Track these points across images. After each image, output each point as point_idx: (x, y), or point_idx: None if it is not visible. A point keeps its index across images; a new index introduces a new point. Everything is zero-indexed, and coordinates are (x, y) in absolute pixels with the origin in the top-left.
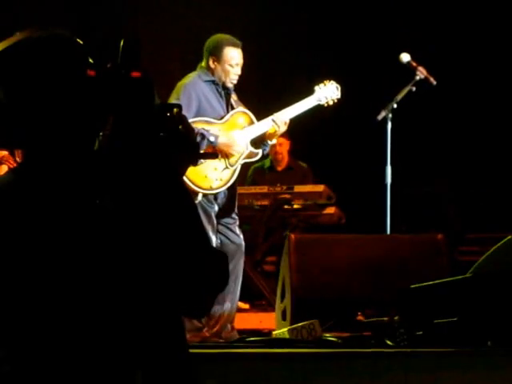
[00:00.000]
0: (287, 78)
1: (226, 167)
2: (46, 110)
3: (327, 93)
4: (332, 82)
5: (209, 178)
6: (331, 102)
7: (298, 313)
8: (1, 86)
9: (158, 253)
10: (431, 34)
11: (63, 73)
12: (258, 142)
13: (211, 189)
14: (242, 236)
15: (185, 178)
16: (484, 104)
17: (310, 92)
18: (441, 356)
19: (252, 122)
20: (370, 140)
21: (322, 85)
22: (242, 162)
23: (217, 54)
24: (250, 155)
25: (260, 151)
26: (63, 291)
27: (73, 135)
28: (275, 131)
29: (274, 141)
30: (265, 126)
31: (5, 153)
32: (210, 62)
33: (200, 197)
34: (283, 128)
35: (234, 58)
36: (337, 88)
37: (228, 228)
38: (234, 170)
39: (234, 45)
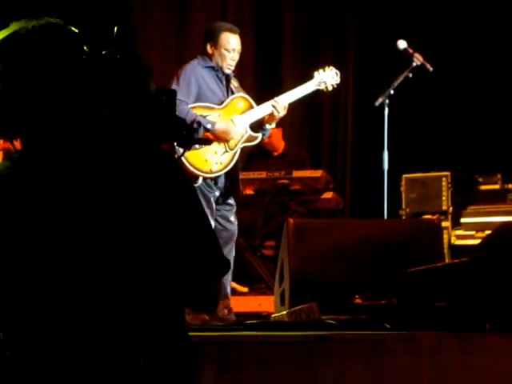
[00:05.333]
0: (285, 63)
1: (226, 151)
2: (44, 97)
3: (327, 78)
4: (332, 67)
5: (209, 161)
6: (330, 88)
7: (296, 296)
8: None
9: (157, 238)
10: (428, 20)
11: (59, 61)
12: (258, 126)
13: (211, 172)
14: (236, 223)
15: (185, 161)
16: (479, 89)
17: (309, 77)
18: (437, 339)
19: (251, 107)
20: (367, 126)
21: (321, 70)
22: (241, 145)
23: (214, 39)
24: (250, 139)
25: (260, 135)
26: (65, 275)
27: (71, 121)
28: (274, 115)
29: (273, 125)
30: (264, 109)
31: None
32: (208, 47)
33: (200, 180)
34: (283, 112)
35: (230, 43)
36: (336, 73)
37: (222, 214)
38: (234, 154)
39: (231, 30)
